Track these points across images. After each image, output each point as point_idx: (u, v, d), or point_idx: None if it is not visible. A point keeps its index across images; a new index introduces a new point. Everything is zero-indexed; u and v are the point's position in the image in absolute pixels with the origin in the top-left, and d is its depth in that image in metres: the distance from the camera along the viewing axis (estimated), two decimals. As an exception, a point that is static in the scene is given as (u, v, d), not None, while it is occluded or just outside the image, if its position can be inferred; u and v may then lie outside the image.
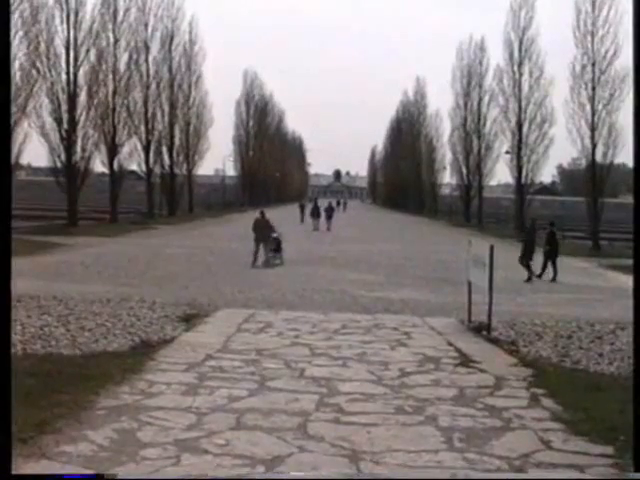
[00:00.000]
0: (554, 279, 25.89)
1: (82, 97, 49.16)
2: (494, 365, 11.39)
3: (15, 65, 39.83)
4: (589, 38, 47.85)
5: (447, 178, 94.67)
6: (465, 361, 11.65)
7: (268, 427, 8.01)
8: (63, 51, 48.24)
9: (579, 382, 10.36)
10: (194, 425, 7.99)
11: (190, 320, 14.86)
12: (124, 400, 8.83)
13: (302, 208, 63.09)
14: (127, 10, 55.51)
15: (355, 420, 8.35)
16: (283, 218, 51.93)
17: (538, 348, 12.97)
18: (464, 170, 76.02)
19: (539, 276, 26.26)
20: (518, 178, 60.74)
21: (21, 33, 41.01)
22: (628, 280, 26.50)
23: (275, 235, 28.83)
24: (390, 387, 9.90)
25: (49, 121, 47.40)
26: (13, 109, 39.20)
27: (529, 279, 25.48)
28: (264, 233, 28.33)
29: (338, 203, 62.96)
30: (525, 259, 26.47)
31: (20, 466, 6.55)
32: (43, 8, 46.01)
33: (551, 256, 26.70)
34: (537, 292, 22.40)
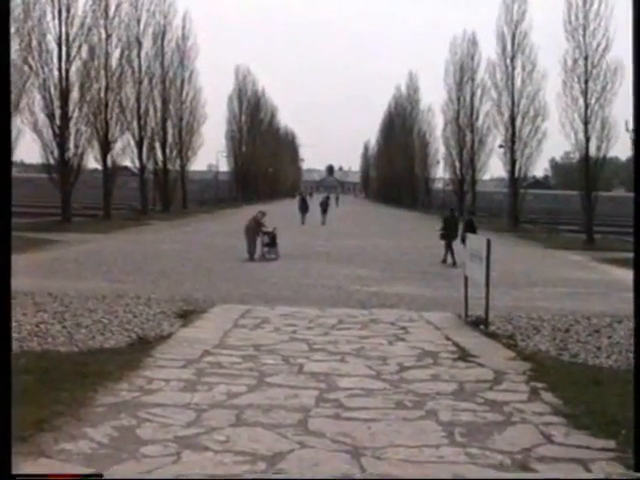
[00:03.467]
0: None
1: (74, 93, 48.98)
2: (493, 359, 11.36)
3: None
4: (581, 32, 47.78)
5: (440, 172, 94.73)
6: (464, 355, 11.62)
7: (268, 423, 7.96)
8: (55, 47, 48.07)
9: (578, 376, 10.34)
10: (194, 422, 7.95)
11: (186, 316, 14.81)
12: (123, 397, 8.78)
13: (305, 203, 59.83)
14: (119, 5, 55.31)
15: (355, 416, 8.31)
16: (278, 212, 51.95)
17: (536, 342, 12.95)
18: (457, 164, 76.03)
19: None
20: (511, 172, 60.69)
21: (13, 29, 40.87)
22: (623, 273, 26.64)
23: (270, 230, 28.83)
24: (389, 382, 9.87)
25: (42, 117, 47.28)
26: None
27: (444, 261, 28.67)
28: (257, 231, 28.36)
29: (328, 197, 63.25)
30: (447, 244, 29.21)
31: (20, 464, 6.49)
32: (35, 4, 45.95)
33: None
34: (533, 286, 22.39)
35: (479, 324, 14.39)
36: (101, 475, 6.43)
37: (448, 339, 13.03)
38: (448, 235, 29.55)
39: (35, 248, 29.50)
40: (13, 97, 39.71)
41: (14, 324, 12.96)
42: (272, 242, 28.67)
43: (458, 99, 75.96)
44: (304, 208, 55.42)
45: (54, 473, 6.56)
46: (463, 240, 27.95)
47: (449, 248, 29.08)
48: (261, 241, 28.51)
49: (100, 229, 42.02)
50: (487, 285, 14.02)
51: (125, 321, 13.87)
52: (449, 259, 28.45)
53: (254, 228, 28.45)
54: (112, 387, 9.17)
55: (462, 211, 75.10)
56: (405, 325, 14.40)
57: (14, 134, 40.71)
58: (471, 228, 29.04)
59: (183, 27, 71.55)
